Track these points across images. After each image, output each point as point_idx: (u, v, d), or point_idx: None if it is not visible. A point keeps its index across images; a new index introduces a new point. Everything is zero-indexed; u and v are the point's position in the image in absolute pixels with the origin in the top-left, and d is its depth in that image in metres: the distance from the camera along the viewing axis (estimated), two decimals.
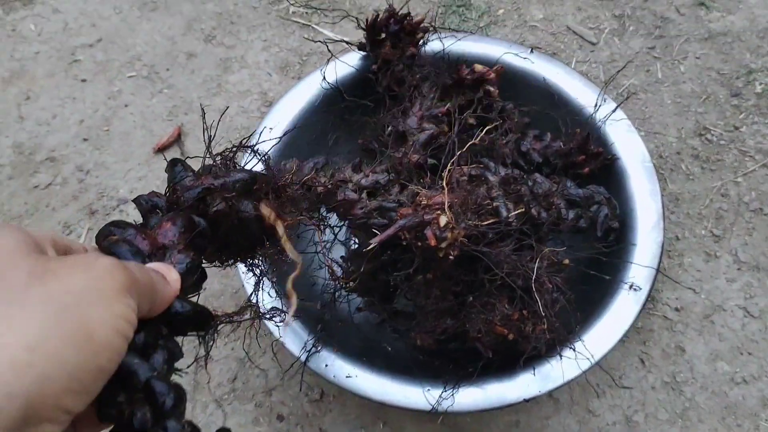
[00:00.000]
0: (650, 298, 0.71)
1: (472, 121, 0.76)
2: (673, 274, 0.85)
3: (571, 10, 1.10)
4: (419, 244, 0.62)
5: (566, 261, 0.71)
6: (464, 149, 0.66)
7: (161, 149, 1.01)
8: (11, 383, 0.22)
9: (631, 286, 0.71)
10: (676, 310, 0.83)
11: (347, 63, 0.82)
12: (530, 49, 0.86)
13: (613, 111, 0.82)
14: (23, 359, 0.22)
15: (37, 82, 1.08)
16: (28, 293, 0.24)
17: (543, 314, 0.65)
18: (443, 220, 0.61)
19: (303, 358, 0.69)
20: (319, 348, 0.71)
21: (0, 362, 0.22)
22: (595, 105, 0.82)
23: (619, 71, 1.00)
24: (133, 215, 0.95)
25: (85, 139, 1.02)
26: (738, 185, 0.91)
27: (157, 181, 0.98)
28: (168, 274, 0.34)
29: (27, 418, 0.22)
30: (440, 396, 0.66)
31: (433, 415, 0.77)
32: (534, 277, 0.66)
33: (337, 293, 0.74)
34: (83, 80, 1.08)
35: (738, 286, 0.84)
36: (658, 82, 1.01)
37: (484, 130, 0.70)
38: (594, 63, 1.04)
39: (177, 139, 1.01)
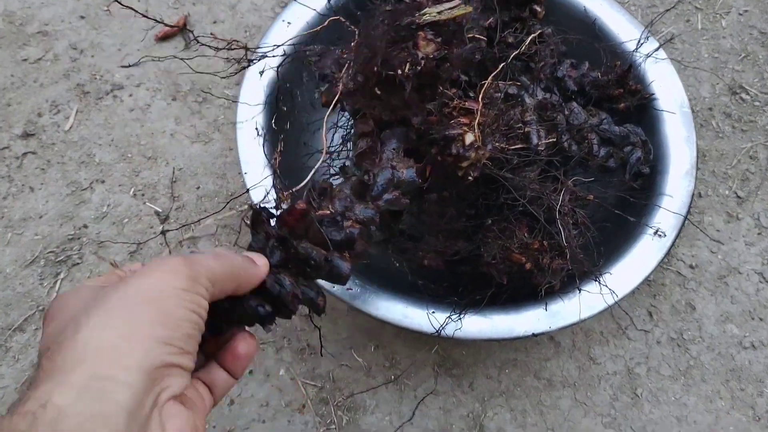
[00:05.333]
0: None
1: (511, 40, 0.70)
2: (691, 231, 0.81)
3: None
4: (439, 158, 0.57)
5: (590, 196, 0.67)
6: (508, 60, 0.61)
7: (164, 37, 0.93)
8: (125, 361, 0.29)
9: (656, 232, 0.67)
10: (691, 267, 0.79)
11: None
12: None
13: (656, 49, 0.77)
14: (123, 345, 0.29)
15: None
16: (107, 302, 0.31)
17: (565, 247, 0.61)
18: (469, 138, 0.56)
19: None
20: None
21: (108, 350, 0.29)
22: (638, 41, 0.77)
23: (661, 15, 0.95)
24: (128, 102, 0.88)
25: (82, 17, 0.95)
26: None
27: (156, 70, 0.90)
28: (257, 260, 0.39)
29: (150, 379, 0.29)
30: (446, 319, 0.61)
31: (428, 343, 0.73)
32: (558, 207, 0.61)
33: None
34: None
35: (756, 250, 0.80)
36: (697, 33, 0.96)
37: (529, 39, 0.64)
38: (633, 5, 0.98)
39: (182, 29, 0.94)
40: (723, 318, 0.76)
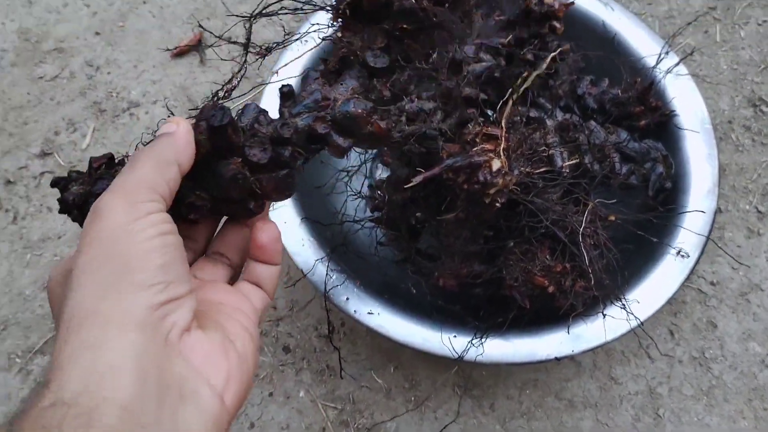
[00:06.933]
0: None
1: (530, 56, 0.70)
2: (711, 247, 0.80)
3: None
4: (465, 186, 0.57)
5: (612, 217, 0.66)
6: (528, 82, 0.60)
7: (179, 54, 0.93)
8: (109, 321, 0.28)
9: (678, 252, 0.67)
10: (712, 284, 0.78)
11: None
12: None
13: (676, 65, 0.76)
14: (102, 308, 0.28)
15: None
16: (74, 274, 0.29)
17: (588, 270, 0.60)
18: (496, 165, 0.55)
19: (321, 286, 0.64)
20: (340, 282, 0.66)
21: (90, 318, 0.28)
22: (658, 57, 0.76)
23: (681, 29, 0.94)
24: (144, 120, 0.88)
25: (97, 33, 0.95)
26: None
27: (172, 87, 0.90)
28: (170, 128, 0.35)
29: (146, 326, 0.28)
30: (469, 343, 0.61)
31: (448, 364, 0.73)
32: (581, 230, 0.61)
33: (360, 222, 0.69)
34: None
35: None
36: (715, 45, 0.95)
37: (550, 57, 0.63)
38: (650, 17, 0.97)
39: (197, 45, 0.94)
40: (745, 336, 0.76)
